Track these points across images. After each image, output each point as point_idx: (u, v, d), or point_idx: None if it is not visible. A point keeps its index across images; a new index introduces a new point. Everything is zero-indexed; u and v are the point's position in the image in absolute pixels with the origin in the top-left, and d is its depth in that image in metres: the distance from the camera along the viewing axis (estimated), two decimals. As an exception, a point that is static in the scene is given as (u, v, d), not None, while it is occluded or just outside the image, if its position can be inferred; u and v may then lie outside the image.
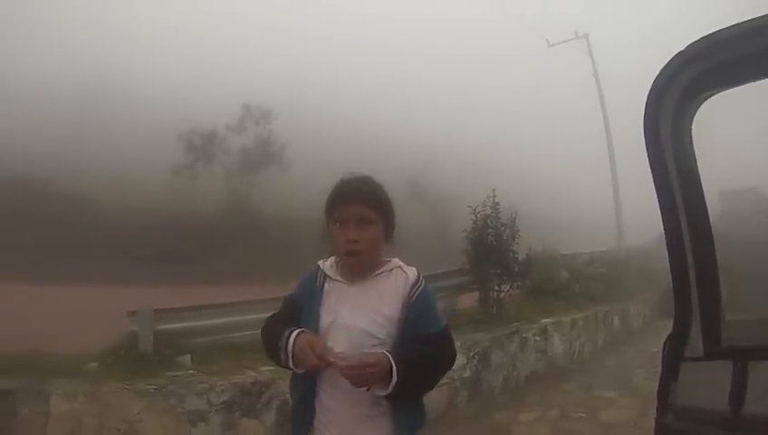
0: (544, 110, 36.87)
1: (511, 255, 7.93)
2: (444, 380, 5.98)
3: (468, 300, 8.14)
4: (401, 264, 2.17)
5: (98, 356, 5.40)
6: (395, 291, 2.09)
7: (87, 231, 19.60)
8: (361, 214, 2.05)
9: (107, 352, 5.45)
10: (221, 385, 4.69)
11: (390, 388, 1.90)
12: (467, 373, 6.49)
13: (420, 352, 2.01)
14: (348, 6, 39.99)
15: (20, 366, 4.98)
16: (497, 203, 7.89)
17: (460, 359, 6.33)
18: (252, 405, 4.94)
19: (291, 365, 1.99)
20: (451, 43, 41.66)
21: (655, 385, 1.83)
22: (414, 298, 2.08)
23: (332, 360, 1.86)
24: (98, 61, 29.55)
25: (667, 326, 1.87)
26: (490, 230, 7.87)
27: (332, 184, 2.19)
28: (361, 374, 1.85)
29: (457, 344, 5.94)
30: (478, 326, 7.23)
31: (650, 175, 1.81)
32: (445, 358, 2.17)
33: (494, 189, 7.95)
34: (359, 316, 2.05)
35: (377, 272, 2.13)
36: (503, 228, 7.90)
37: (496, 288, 7.91)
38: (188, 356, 5.55)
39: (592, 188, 24.80)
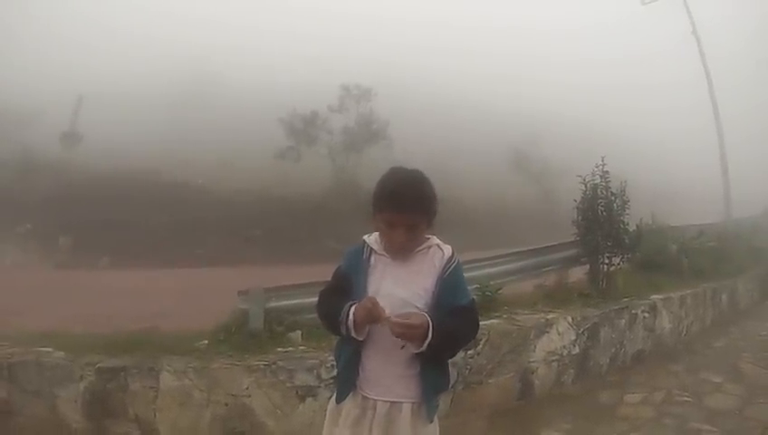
0: (644, 77, 35.22)
1: (621, 226, 7.48)
2: (553, 356, 5.80)
3: (576, 273, 7.80)
4: (438, 242, 2.42)
5: (209, 334, 5.42)
6: (432, 266, 2.36)
7: (197, 216, 20.37)
8: (411, 221, 2.28)
9: (218, 330, 5.46)
10: (331, 360, 4.54)
11: (424, 346, 2.18)
12: (576, 350, 6.13)
13: (451, 321, 2.25)
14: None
15: (134, 345, 5.07)
16: (606, 172, 7.41)
17: (569, 335, 6.06)
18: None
19: (352, 334, 2.28)
20: (552, 17, 40.54)
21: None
22: (447, 273, 2.35)
23: (389, 317, 2.15)
24: (195, 54, 30.63)
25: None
26: (600, 200, 7.41)
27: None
28: (407, 332, 2.15)
29: (567, 320, 5.63)
30: (587, 301, 6.87)
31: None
32: (470, 328, 2.39)
33: (603, 157, 7.47)
34: (401, 288, 2.32)
35: (417, 249, 2.38)
36: (613, 198, 7.43)
37: (606, 261, 7.47)
38: (299, 332, 5.50)
39: (698, 156, 23.34)
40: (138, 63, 29.72)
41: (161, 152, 24.59)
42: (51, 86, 27.17)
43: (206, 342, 5.27)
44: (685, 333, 7.86)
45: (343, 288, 2.40)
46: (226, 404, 4.55)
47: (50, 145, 25.71)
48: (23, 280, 11.90)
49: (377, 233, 2.42)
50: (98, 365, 4.65)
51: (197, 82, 30.37)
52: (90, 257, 17.51)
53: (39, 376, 4.68)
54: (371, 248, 2.41)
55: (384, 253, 2.38)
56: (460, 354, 4.84)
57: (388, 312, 2.18)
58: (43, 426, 4.58)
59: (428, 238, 2.40)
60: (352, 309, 2.25)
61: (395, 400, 2.34)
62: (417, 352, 2.23)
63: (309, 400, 4.60)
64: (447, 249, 2.40)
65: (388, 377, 2.34)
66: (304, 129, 26.27)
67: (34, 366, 4.72)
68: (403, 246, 2.31)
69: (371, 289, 2.33)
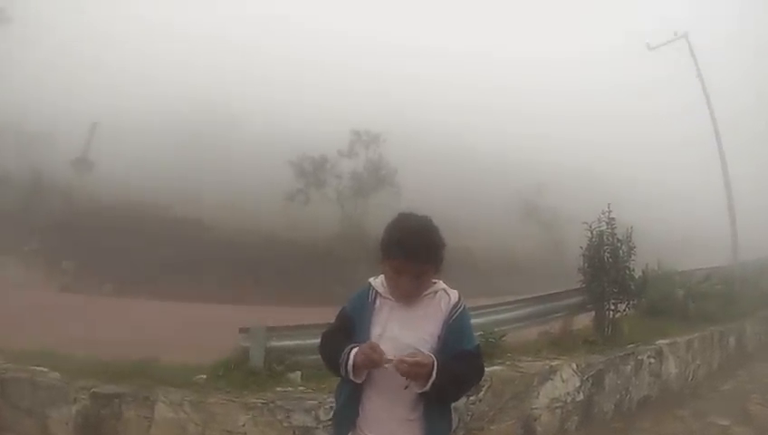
0: (651, 120, 35.46)
1: (627, 272, 7.43)
2: (557, 402, 5.70)
3: (582, 320, 7.72)
4: (445, 286, 2.41)
5: (208, 369, 5.39)
6: (438, 311, 2.35)
7: (203, 252, 20.38)
8: (418, 270, 2.27)
9: (217, 366, 5.43)
10: (330, 402, 4.48)
11: (428, 386, 2.16)
12: (580, 397, 6.03)
13: (456, 364, 2.25)
14: (449, 44, 39.83)
15: (131, 373, 5.04)
16: (612, 218, 7.41)
17: (574, 381, 5.97)
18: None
19: (351, 377, 2.27)
20: (560, 75, 40.99)
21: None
22: (454, 318, 2.34)
23: (391, 358, 2.14)
24: (209, 93, 30.99)
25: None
26: (606, 247, 7.39)
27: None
28: (412, 371, 2.13)
29: (572, 366, 5.53)
30: (593, 348, 6.80)
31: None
32: (475, 372, 2.39)
33: (609, 204, 7.46)
34: (406, 332, 2.31)
35: (424, 294, 2.36)
36: (619, 244, 7.40)
37: (612, 307, 7.41)
38: (298, 373, 5.45)
39: (704, 199, 23.33)
40: (154, 102, 30.04)
41: (171, 188, 24.76)
42: (66, 114, 27.45)
43: (205, 376, 5.22)
44: (692, 377, 7.77)
45: (347, 329, 2.40)
46: (221, 440, 4.47)
47: (61, 170, 25.91)
48: (25, 298, 11.86)
49: (383, 276, 2.40)
50: (93, 390, 4.61)
51: (211, 122, 30.67)
52: (92, 282, 17.50)
53: (32, 395, 4.65)
54: (377, 291, 2.40)
55: (389, 296, 2.37)
56: (462, 400, 4.76)
57: (392, 355, 2.16)
58: (32, 444, 4.51)
59: (435, 283, 2.40)
60: (353, 352, 2.24)
61: None
62: (421, 391, 2.20)
63: (305, 440, 4.51)
64: (454, 294, 2.39)
65: (392, 420, 2.31)
66: (313, 172, 26.44)
67: (28, 384, 4.69)
68: (409, 293, 2.31)
69: (376, 332, 2.32)
